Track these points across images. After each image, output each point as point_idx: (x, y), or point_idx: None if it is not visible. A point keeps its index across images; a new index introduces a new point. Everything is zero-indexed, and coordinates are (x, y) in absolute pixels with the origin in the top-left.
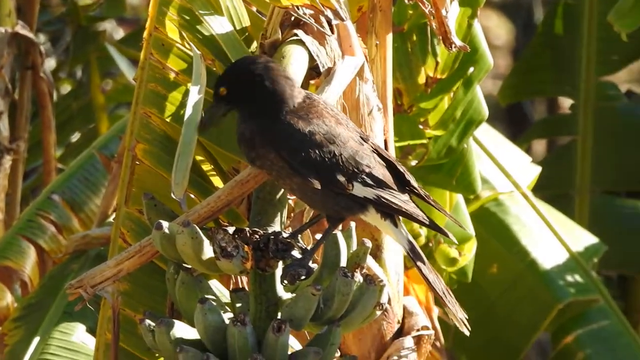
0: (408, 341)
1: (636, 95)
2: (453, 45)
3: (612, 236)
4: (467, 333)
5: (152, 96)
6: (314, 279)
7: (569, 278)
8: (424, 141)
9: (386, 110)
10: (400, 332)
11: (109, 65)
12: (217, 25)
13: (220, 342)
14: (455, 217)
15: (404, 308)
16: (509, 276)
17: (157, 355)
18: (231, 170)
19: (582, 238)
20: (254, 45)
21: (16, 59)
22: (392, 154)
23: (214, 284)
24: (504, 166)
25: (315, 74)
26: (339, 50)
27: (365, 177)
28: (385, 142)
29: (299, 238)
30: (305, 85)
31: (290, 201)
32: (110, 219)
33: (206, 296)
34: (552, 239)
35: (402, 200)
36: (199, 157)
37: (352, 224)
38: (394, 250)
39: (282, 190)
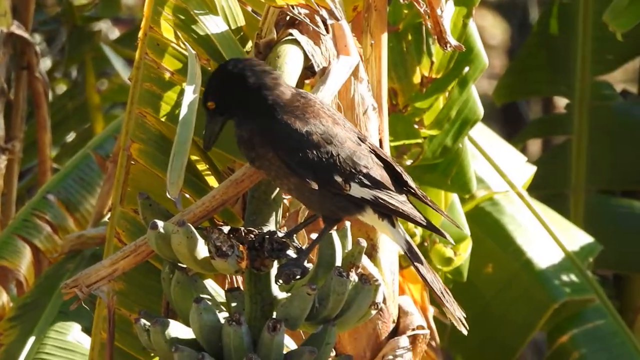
0: (403, 340)
1: (631, 95)
2: (448, 45)
3: (608, 236)
4: (465, 332)
5: (147, 96)
6: (309, 279)
7: (565, 277)
8: (419, 141)
9: (381, 110)
10: (396, 332)
11: (104, 65)
12: (212, 25)
13: (215, 341)
14: (451, 216)
15: (399, 307)
16: (505, 276)
17: (152, 354)
18: (226, 169)
19: (577, 237)
20: (249, 44)
21: (12, 58)
22: (387, 153)
23: (209, 284)
24: (499, 166)
25: (311, 73)
26: (334, 49)
27: (363, 178)
28: (380, 141)
29: (294, 238)
30: (300, 84)
31: (285, 201)
32: (106, 219)
33: (201, 296)
34: (548, 238)
35: (399, 201)
36: (194, 157)
37: (347, 224)
38: (389, 249)
39: (277, 189)
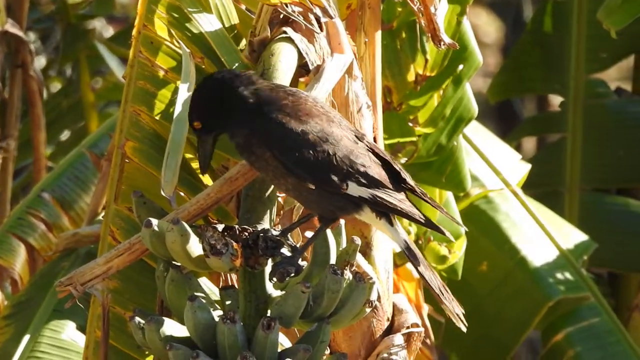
0: (398, 338)
1: (626, 93)
2: (442, 43)
3: (602, 234)
4: (464, 329)
5: (142, 94)
6: (303, 277)
7: (559, 275)
8: (414, 139)
9: (375, 108)
10: (390, 330)
11: (98, 63)
12: (206, 23)
13: (210, 339)
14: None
15: (394, 305)
16: (499, 274)
17: (147, 352)
18: (220, 167)
19: (572, 235)
20: (243, 42)
21: (6, 57)
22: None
23: (204, 282)
24: (494, 164)
25: (305, 71)
26: (328, 47)
27: (360, 177)
28: (375, 139)
29: (289, 236)
30: (294, 82)
31: (279, 199)
32: (100, 217)
33: (196, 294)
34: (542, 236)
35: (397, 199)
36: (188, 155)
37: (342, 222)
38: (383, 247)
39: (272, 187)
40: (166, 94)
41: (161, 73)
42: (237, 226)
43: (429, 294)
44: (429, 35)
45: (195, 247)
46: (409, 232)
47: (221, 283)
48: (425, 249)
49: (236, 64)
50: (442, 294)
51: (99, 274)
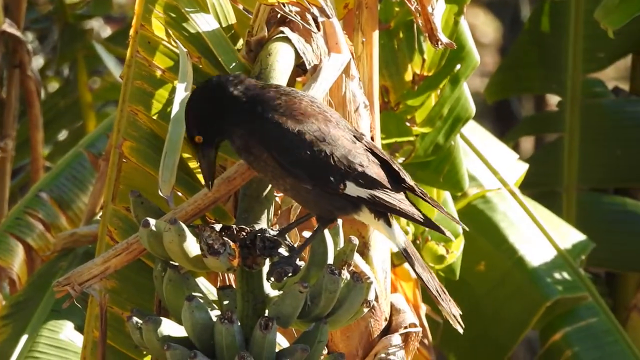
0: (396, 338)
1: (623, 92)
2: (439, 43)
3: (600, 233)
4: (461, 330)
5: (139, 94)
6: (301, 277)
7: (557, 275)
8: (411, 138)
9: (373, 108)
10: (388, 330)
11: (96, 63)
12: (203, 23)
13: (207, 339)
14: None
15: (392, 305)
16: (497, 274)
17: (144, 352)
18: (218, 167)
19: (569, 235)
20: (240, 42)
21: (3, 57)
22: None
23: (201, 282)
24: (491, 163)
25: (302, 71)
26: (325, 47)
27: (359, 177)
28: (372, 139)
29: (286, 236)
30: (292, 82)
31: (277, 198)
32: (98, 217)
33: (193, 294)
34: (540, 236)
35: (397, 199)
36: (186, 155)
37: (339, 221)
38: (381, 247)
39: (269, 187)
40: (163, 93)
41: (158, 73)
42: (234, 226)
43: (426, 293)
44: (427, 35)
45: (192, 246)
46: (406, 232)
47: (219, 283)
48: (423, 248)
49: (233, 64)
50: (440, 295)
51: (96, 273)
